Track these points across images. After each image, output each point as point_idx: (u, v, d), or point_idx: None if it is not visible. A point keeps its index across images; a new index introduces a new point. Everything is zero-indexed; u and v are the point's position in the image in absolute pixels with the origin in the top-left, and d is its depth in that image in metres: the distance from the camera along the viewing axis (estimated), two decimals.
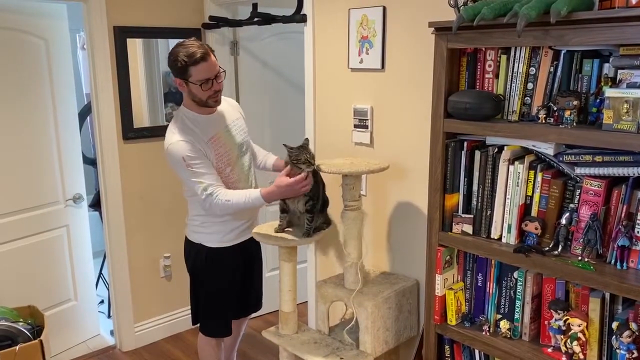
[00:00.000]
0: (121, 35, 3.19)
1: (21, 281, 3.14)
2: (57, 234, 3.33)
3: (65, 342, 3.43)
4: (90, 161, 3.90)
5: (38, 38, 3.13)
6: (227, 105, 2.55)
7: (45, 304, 3.20)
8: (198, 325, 2.67)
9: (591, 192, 1.72)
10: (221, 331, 2.62)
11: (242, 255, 2.60)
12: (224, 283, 2.55)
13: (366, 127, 2.67)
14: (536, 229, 1.84)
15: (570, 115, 1.70)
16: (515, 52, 1.86)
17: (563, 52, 1.77)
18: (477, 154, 1.95)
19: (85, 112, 4.04)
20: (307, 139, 2.35)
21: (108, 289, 3.65)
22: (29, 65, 3.09)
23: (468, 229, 2.01)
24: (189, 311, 2.72)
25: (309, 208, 2.37)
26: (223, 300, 2.57)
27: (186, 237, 2.59)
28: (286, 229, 2.45)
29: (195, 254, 2.54)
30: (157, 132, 3.36)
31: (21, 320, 2.80)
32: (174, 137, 2.32)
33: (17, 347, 2.55)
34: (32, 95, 3.12)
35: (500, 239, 1.94)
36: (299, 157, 2.27)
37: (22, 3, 3.04)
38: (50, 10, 3.18)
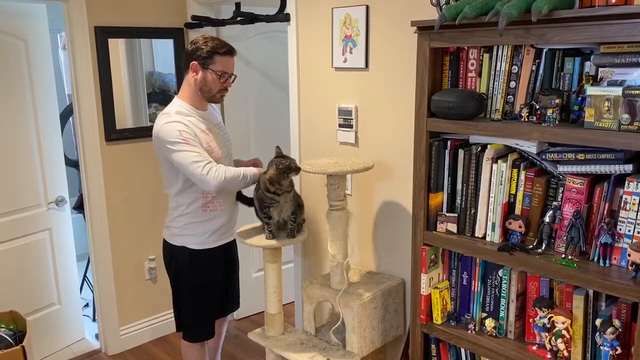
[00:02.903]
0: (102, 35, 3.15)
1: (3, 286, 3.09)
2: (39, 237, 3.29)
3: (50, 346, 3.39)
4: (73, 163, 3.85)
5: (17, 39, 3.07)
6: (215, 108, 2.58)
7: (28, 308, 3.16)
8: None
9: (574, 189, 1.73)
10: (206, 334, 2.59)
11: (225, 256, 2.58)
12: (208, 285, 2.52)
13: (351, 126, 2.66)
14: (520, 227, 1.84)
15: (552, 113, 1.70)
16: (497, 51, 1.86)
17: (545, 50, 1.78)
18: (461, 152, 1.95)
19: (67, 113, 3.99)
20: (278, 147, 2.39)
21: (92, 292, 3.60)
22: (8, 67, 3.03)
23: (452, 227, 2.01)
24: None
25: (292, 211, 2.42)
26: (208, 303, 2.54)
27: (166, 242, 2.52)
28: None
29: (177, 257, 2.48)
30: (140, 133, 3.33)
31: (3, 325, 2.75)
32: (169, 118, 2.29)
33: None
34: (12, 97, 3.06)
35: (484, 237, 1.94)
36: (290, 165, 2.31)
37: None
38: (29, 11, 3.12)
